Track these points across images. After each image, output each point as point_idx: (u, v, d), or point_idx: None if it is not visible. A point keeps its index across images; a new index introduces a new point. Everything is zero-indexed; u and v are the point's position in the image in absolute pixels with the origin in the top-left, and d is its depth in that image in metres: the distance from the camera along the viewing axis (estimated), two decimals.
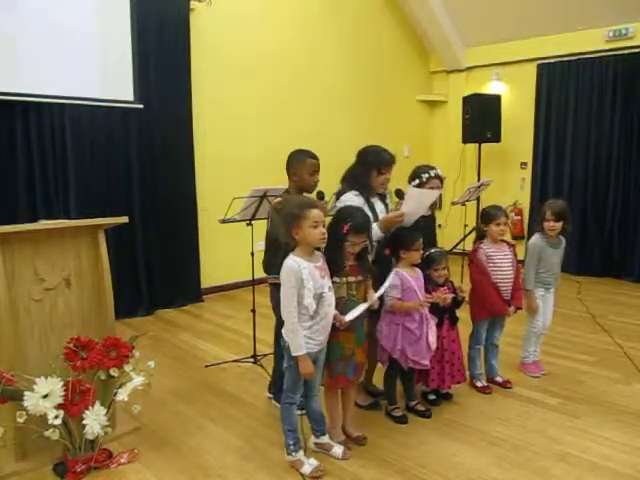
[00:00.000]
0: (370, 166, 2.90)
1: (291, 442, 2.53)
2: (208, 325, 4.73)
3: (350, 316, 2.49)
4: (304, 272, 2.33)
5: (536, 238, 3.44)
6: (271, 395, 3.21)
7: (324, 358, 2.55)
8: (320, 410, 2.63)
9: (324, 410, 2.68)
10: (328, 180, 3.13)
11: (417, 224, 2.93)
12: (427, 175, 3.16)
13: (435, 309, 2.93)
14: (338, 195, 2.96)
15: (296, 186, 3.05)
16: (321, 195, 3.09)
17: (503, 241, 3.33)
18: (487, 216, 3.29)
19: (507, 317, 3.37)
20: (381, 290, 2.65)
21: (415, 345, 2.84)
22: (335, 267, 2.52)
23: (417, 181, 3.15)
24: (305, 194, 3.01)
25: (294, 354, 2.38)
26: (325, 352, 2.54)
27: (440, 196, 3.44)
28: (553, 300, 3.52)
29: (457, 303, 3.08)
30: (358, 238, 2.52)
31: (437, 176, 3.19)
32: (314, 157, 3.05)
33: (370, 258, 2.72)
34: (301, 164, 3.01)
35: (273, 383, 3.19)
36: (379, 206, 2.96)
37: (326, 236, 2.37)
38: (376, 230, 2.80)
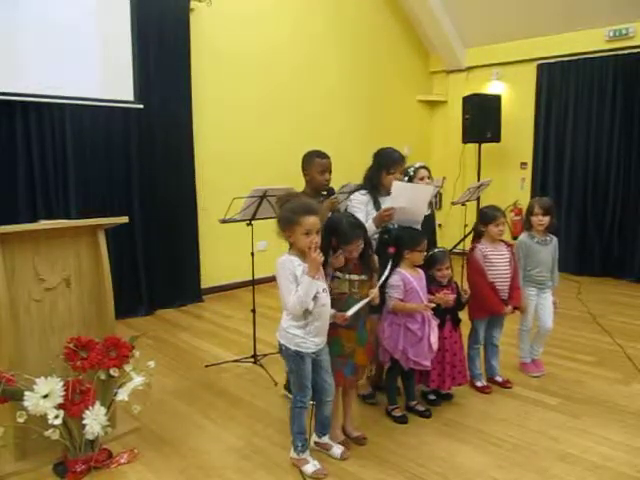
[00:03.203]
0: (380, 166, 3.04)
1: (300, 444, 2.53)
2: (208, 325, 4.73)
3: (351, 311, 2.48)
4: (298, 269, 2.34)
5: (523, 236, 3.48)
6: (286, 392, 3.21)
7: (329, 359, 2.53)
8: (330, 416, 2.62)
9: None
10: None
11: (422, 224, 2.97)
12: (413, 168, 3.32)
13: (437, 310, 2.92)
14: (349, 194, 3.14)
15: (309, 185, 3.17)
16: (331, 192, 3.17)
17: (501, 241, 3.33)
18: (487, 217, 3.30)
19: (505, 316, 3.37)
20: (379, 283, 2.62)
21: (417, 346, 2.83)
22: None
23: (406, 178, 3.25)
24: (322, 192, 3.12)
25: (310, 292, 2.30)
26: (328, 352, 2.53)
27: (440, 196, 3.47)
28: (551, 301, 3.49)
29: (460, 304, 3.08)
30: (350, 247, 2.52)
31: (422, 166, 3.35)
32: (322, 156, 3.17)
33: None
34: (310, 164, 3.16)
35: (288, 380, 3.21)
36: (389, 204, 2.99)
37: (317, 244, 2.33)
38: (371, 226, 2.88)
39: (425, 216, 3.23)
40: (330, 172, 3.18)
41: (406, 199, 2.89)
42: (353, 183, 3.36)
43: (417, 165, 3.35)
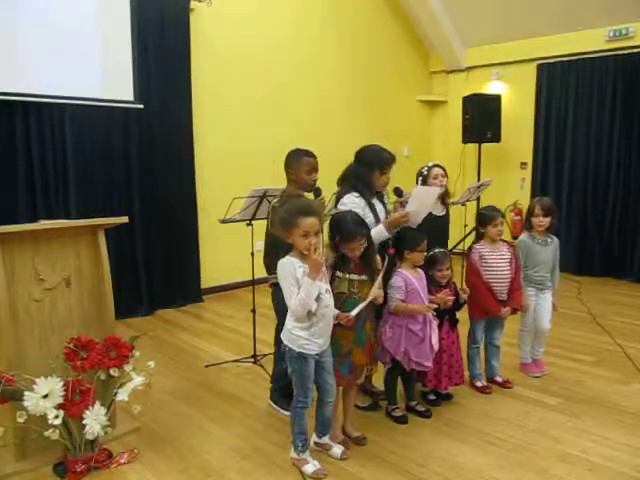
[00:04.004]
0: (372, 166, 2.88)
1: (300, 444, 2.53)
2: (208, 325, 4.73)
3: (355, 312, 2.47)
4: (299, 271, 2.33)
5: (523, 236, 3.48)
6: (273, 404, 3.15)
7: (331, 360, 2.52)
8: (330, 417, 2.62)
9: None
10: (328, 179, 3.13)
11: (421, 224, 2.95)
12: (427, 167, 3.28)
13: (436, 310, 2.91)
14: (339, 197, 2.94)
15: (294, 185, 3.04)
16: (318, 192, 3.07)
17: (503, 241, 3.33)
18: (484, 218, 3.29)
19: (506, 317, 3.34)
20: (378, 280, 2.58)
21: (418, 347, 2.83)
22: (337, 265, 2.54)
23: (421, 178, 3.22)
24: (304, 193, 3.02)
25: (311, 294, 2.29)
26: (331, 353, 2.52)
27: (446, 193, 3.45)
28: (549, 302, 3.48)
29: (458, 305, 3.08)
30: (353, 244, 2.50)
31: (435, 165, 3.30)
32: (311, 155, 3.04)
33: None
34: (298, 163, 3.02)
35: (272, 383, 3.19)
36: (378, 206, 2.96)
37: (316, 246, 2.31)
38: (382, 230, 2.80)
39: (440, 216, 3.24)
40: (317, 171, 3.06)
41: (420, 202, 2.86)
42: None
43: (430, 164, 3.30)
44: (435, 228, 3.04)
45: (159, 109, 4.96)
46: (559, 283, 3.59)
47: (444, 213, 3.30)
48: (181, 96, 5.10)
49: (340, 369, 2.59)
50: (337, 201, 2.94)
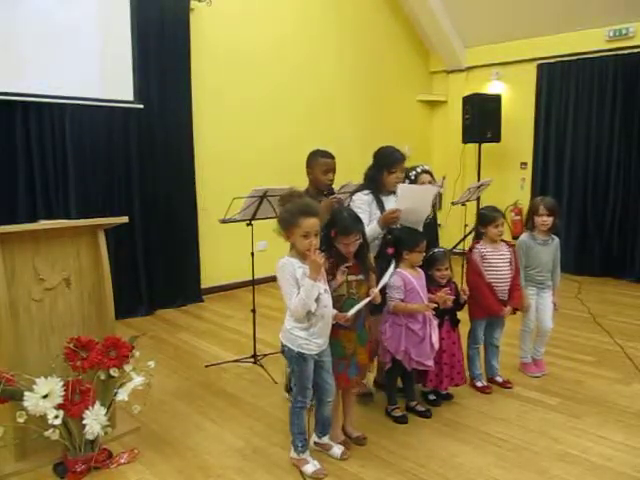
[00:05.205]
0: (381, 166, 3.02)
1: (299, 444, 2.53)
2: (208, 325, 4.73)
3: (352, 311, 2.48)
4: (298, 272, 2.33)
5: (524, 235, 3.48)
6: (287, 395, 3.17)
7: (330, 360, 2.52)
8: (330, 416, 2.62)
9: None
10: None
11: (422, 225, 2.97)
12: (414, 172, 3.35)
13: (436, 310, 2.92)
14: (351, 195, 3.10)
15: (312, 185, 3.18)
16: (331, 191, 3.17)
17: (503, 241, 3.33)
18: (485, 218, 3.30)
19: (506, 317, 3.36)
20: (381, 283, 2.61)
21: (419, 346, 2.83)
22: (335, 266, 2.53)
23: (407, 181, 3.25)
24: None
25: (311, 295, 2.30)
26: (330, 353, 2.52)
27: (440, 195, 3.48)
28: (550, 301, 3.48)
29: (459, 305, 3.07)
30: (348, 239, 2.51)
31: (425, 171, 3.37)
32: (327, 156, 3.18)
33: (372, 255, 2.75)
34: (314, 163, 3.18)
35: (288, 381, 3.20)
36: (392, 204, 3.00)
37: (315, 247, 2.32)
38: (376, 227, 2.88)
39: (428, 217, 3.24)
40: (334, 172, 3.19)
41: (411, 200, 2.91)
42: (353, 182, 3.36)
43: (419, 169, 3.34)
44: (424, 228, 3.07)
45: (159, 109, 4.96)
46: (559, 283, 3.58)
47: (431, 217, 3.31)
48: (181, 96, 5.10)
49: (347, 371, 2.59)
50: (350, 198, 3.10)
